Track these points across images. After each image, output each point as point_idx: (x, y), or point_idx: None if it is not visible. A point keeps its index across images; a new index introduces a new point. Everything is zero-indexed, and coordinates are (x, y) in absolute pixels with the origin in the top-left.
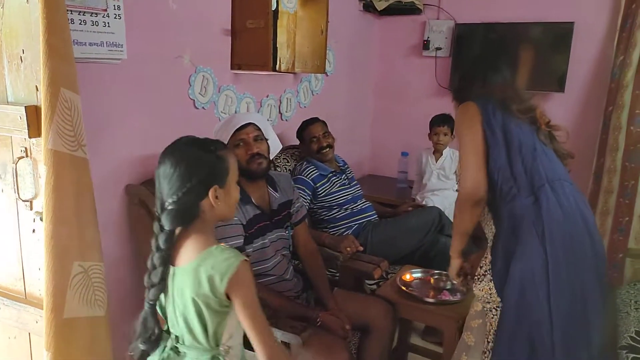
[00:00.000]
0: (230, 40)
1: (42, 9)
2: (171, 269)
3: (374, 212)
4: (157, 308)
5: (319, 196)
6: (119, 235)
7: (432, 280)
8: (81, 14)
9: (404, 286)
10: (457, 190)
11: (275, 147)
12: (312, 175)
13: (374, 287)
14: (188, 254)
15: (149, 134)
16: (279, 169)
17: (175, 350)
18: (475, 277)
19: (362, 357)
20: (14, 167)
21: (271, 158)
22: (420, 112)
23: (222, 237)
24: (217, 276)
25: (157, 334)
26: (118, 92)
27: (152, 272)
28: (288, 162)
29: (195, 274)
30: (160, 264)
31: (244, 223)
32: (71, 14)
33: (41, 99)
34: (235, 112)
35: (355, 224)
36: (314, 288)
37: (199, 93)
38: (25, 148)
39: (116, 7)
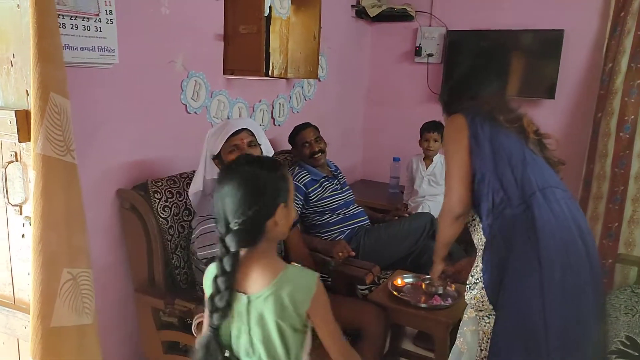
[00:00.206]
0: (223, 45)
1: (33, 13)
2: (244, 297)
3: (366, 217)
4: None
5: (311, 201)
6: (110, 240)
7: (423, 286)
8: (73, 18)
9: (396, 291)
10: None
11: (267, 152)
12: (304, 180)
13: (366, 292)
14: (261, 279)
15: (140, 139)
16: None
17: None
18: (467, 286)
19: None
20: (4, 172)
21: None
22: (412, 118)
23: (212, 242)
24: (300, 297)
25: None
26: (110, 97)
27: (216, 296)
28: None
29: (276, 298)
30: (225, 287)
31: None
32: (63, 18)
33: (31, 104)
34: (228, 117)
35: (348, 229)
36: None
37: (191, 98)
38: (15, 152)
39: (108, 12)
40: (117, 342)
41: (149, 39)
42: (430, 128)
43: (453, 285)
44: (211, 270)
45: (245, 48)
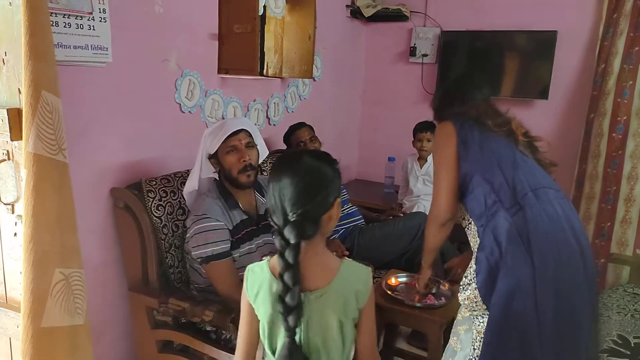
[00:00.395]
0: (217, 44)
1: (25, 11)
2: (301, 294)
3: (361, 216)
4: (260, 332)
5: None
6: (103, 239)
7: (417, 285)
8: (66, 16)
9: (390, 290)
10: None
11: (262, 153)
12: None
13: None
14: (320, 275)
15: (134, 138)
16: (264, 174)
17: None
18: (460, 287)
19: None
20: None
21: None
22: (406, 117)
23: (206, 241)
24: (362, 290)
25: None
26: (103, 96)
27: (286, 295)
28: None
29: (339, 294)
30: (293, 282)
31: (231, 228)
32: (56, 16)
33: (22, 102)
34: (222, 116)
35: (342, 228)
36: None
37: (186, 97)
38: (7, 151)
39: (101, 10)
40: (111, 341)
41: (143, 38)
42: (423, 128)
43: (447, 285)
44: (255, 270)
45: (239, 47)
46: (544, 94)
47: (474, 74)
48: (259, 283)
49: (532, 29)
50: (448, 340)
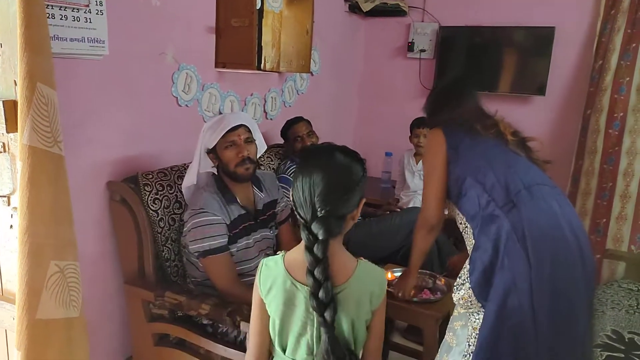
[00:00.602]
0: (215, 38)
1: (20, 3)
2: None
3: None
4: (270, 329)
5: None
6: (100, 232)
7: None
8: (62, 9)
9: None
10: None
11: (260, 147)
12: None
13: None
14: (339, 273)
15: (131, 131)
16: (262, 168)
17: None
18: (454, 287)
19: None
20: None
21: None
22: (404, 113)
23: (204, 236)
24: (377, 292)
25: None
26: (100, 89)
27: (319, 291)
28: (272, 160)
29: (353, 293)
30: (325, 277)
31: (228, 223)
32: (52, 8)
33: (18, 94)
34: (220, 110)
35: None
36: None
37: (182, 91)
38: (3, 143)
39: (98, 3)
40: (106, 334)
41: (140, 31)
42: (420, 124)
43: (443, 279)
44: (269, 265)
45: (237, 41)
46: (541, 90)
47: (464, 81)
48: (272, 278)
49: (530, 24)
50: (444, 335)
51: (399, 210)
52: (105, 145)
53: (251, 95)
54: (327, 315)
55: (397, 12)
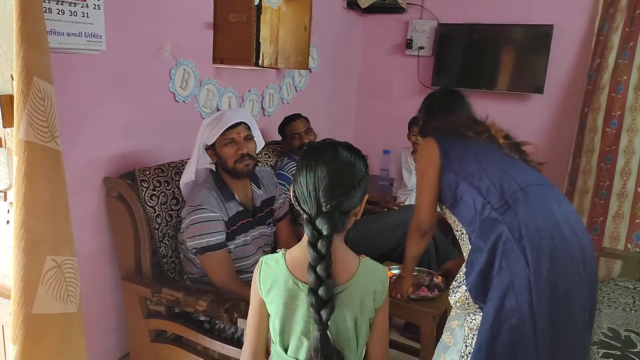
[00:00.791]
0: (213, 33)
1: None
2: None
3: None
4: (271, 329)
5: None
6: (96, 228)
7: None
8: (59, 3)
9: None
10: None
11: (259, 144)
12: (293, 171)
13: None
14: (342, 271)
15: (128, 127)
16: (260, 164)
17: None
18: (450, 290)
19: None
20: None
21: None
22: (402, 110)
23: (201, 232)
24: (379, 290)
25: None
26: (97, 84)
27: (319, 288)
28: (269, 157)
29: (357, 291)
30: (326, 275)
31: (226, 220)
32: (49, 3)
33: (14, 88)
34: (217, 106)
35: None
36: None
37: (180, 86)
38: (0, 138)
39: None
40: (103, 330)
41: (137, 26)
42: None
43: (440, 277)
44: (269, 263)
45: (235, 37)
46: (539, 88)
47: (455, 91)
48: (273, 277)
49: (529, 22)
50: (441, 332)
51: (396, 208)
52: (102, 141)
53: (249, 91)
54: (323, 313)
55: (395, 9)
